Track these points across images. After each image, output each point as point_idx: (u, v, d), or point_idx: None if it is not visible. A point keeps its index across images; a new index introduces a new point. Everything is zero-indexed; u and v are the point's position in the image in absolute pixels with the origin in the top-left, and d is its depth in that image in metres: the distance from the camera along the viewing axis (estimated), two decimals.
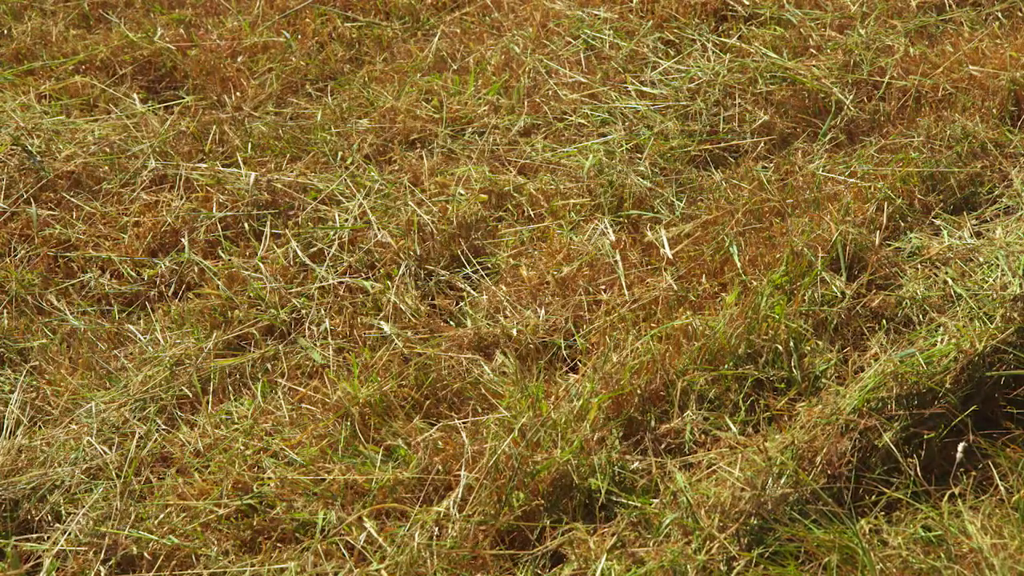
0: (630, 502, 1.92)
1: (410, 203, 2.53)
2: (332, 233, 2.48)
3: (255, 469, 2.03)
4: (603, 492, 1.93)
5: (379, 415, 2.10)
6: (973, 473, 1.93)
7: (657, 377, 2.08)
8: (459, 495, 1.94)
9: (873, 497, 1.90)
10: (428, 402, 2.12)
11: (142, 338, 2.30)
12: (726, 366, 2.07)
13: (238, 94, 2.92)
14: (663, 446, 2.02)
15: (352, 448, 2.04)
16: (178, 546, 1.93)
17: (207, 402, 2.17)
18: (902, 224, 2.36)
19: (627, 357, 2.12)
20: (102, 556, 1.94)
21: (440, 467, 1.99)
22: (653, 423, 2.04)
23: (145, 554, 1.93)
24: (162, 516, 1.98)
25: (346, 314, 2.32)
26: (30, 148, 2.67)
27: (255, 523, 1.96)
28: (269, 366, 2.24)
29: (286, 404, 2.14)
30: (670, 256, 2.32)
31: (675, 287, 2.25)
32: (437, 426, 2.07)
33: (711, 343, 2.09)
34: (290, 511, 1.96)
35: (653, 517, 1.88)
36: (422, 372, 2.16)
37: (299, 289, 2.38)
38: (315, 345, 2.27)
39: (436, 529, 1.89)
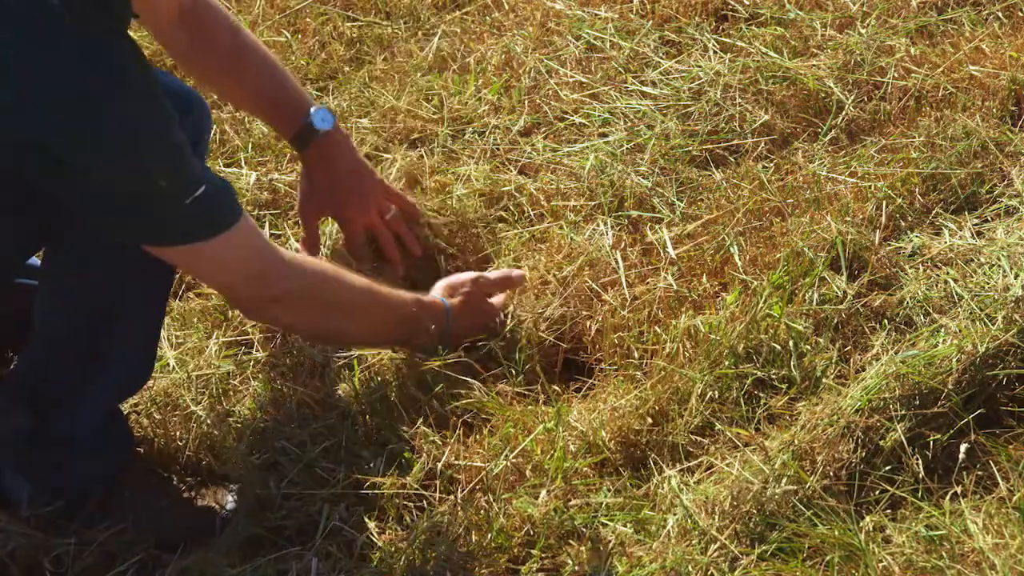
0: (631, 502, 1.92)
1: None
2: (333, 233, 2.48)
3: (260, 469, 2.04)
4: (605, 492, 1.94)
5: (381, 416, 2.10)
6: (976, 472, 1.93)
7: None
8: (461, 497, 1.94)
9: (876, 494, 1.90)
10: (428, 404, 2.12)
11: None
12: (725, 364, 2.07)
13: None
14: (663, 446, 2.03)
15: (354, 450, 2.05)
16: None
17: (208, 400, 2.18)
18: (902, 224, 2.36)
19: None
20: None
21: (441, 469, 1.99)
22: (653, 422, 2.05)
23: None
24: None
25: None
26: None
27: (258, 523, 1.96)
28: (269, 366, 2.24)
29: (288, 404, 2.14)
30: (673, 256, 2.32)
31: (675, 286, 2.25)
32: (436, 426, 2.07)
33: (712, 343, 2.09)
34: (289, 515, 1.96)
35: (653, 519, 1.89)
36: (423, 373, 2.16)
37: None
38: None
39: (437, 531, 1.90)
